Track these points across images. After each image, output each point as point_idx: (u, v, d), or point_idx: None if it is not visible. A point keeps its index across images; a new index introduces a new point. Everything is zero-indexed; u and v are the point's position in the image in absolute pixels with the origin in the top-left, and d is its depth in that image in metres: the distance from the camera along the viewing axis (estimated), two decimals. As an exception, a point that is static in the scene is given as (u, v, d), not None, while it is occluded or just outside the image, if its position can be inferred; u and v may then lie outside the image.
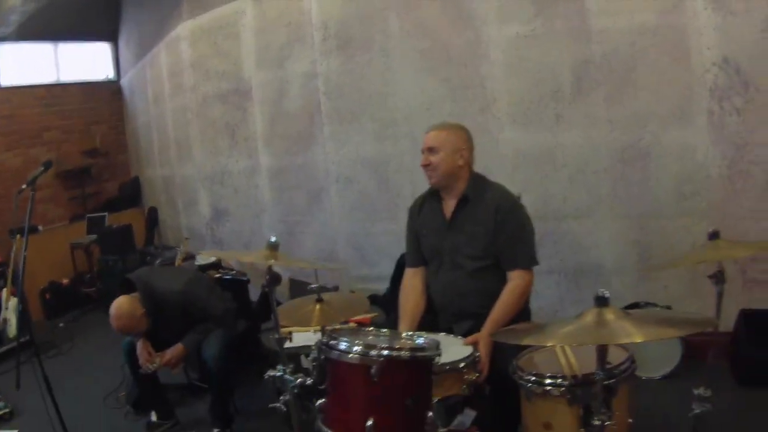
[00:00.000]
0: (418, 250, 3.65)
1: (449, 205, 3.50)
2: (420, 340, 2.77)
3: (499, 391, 3.01)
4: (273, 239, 3.15)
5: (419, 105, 5.65)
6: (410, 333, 2.99)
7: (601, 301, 2.15)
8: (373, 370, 2.39)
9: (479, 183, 3.49)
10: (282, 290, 6.44)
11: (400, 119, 5.79)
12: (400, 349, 2.52)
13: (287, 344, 4.08)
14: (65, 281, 8.73)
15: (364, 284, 6.21)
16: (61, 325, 7.88)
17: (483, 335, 3.06)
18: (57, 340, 7.16)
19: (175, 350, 4.39)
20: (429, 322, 3.41)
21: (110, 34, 10.79)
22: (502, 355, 2.92)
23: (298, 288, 6.15)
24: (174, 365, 4.45)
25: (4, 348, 7.10)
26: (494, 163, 4.11)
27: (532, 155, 5.15)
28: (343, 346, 2.56)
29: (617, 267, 4.97)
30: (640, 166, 4.79)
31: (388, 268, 5.47)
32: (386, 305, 5.49)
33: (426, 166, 3.44)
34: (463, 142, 3.48)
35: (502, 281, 3.28)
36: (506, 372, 2.80)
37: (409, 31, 5.64)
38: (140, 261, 7.97)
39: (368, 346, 2.52)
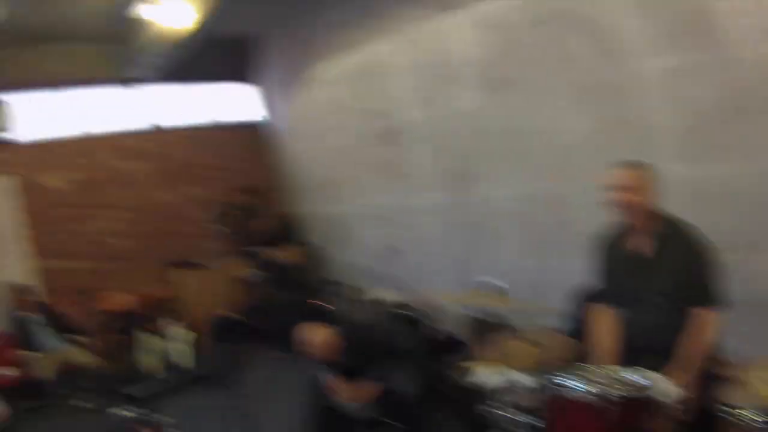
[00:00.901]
0: (608, 287, 3.72)
1: (643, 243, 3.57)
2: (639, 378, 2.90)
3: (700, 425, 3.04)
4: (500, 285, 3.38)
5: (580, 140, 5.66)
6: (619, 369, 3.07)
7: None
8: (605, 409, 2.54)
9: (673, 222, 3.57)
10: (459, 328, 6.52)
11: (563, 155, 5.81)
12: (635, 389, 2.67)
13: (473, 378, 4.30)
14: (230, 315, 9.18)
15: (537, 321, 5.90)
16: (226, 357, 8.33)
17: (684, 371, 3.11)
18: (224, 373, 7.56)
19: (365, 385, 4.50)
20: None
21: (258, 75, 11.36)
22: (702, 389, 3.02)
23: (477, 326, 6.26)
24: (363, 400, 4.53)
25: (178, 378, 7.86)
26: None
27: (693, 187, 5.04)
28: (573, 383, 2.73)
29: None
30: None
31: (561, 305, 5.32)
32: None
33: (621, 204, 3.50)
34: (653, 180, 3.56)
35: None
36: (707, 406, 2.90)
37: (563, 67, 5.68)
38: (304, 295, 8.33)
39: (600, 385, 2.67)
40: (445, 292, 5.76)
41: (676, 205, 4.98)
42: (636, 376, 2.93)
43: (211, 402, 5.01)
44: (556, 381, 2.86)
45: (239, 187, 10.80)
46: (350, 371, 4.53)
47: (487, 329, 3.61)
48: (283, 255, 9.77)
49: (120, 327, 8.97)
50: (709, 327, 3.34)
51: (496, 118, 6.34)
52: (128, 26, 9.27)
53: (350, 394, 4.43)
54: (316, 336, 4.51)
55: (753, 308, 4.89)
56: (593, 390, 2.71)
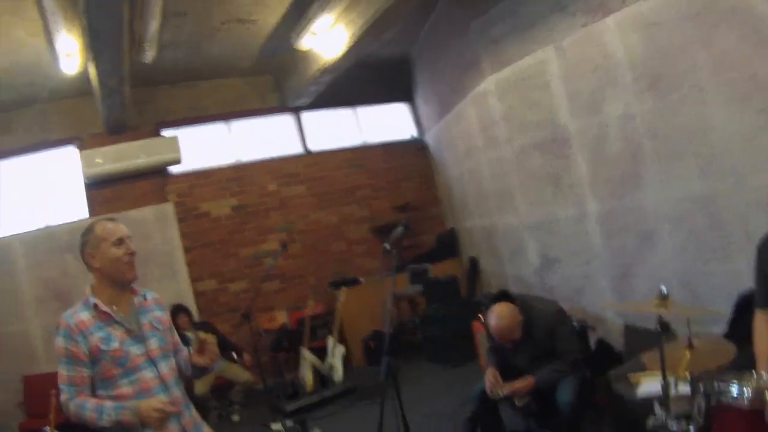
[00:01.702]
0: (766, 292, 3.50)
1: None
2: None
3: None
4: (663, 290, 3.31)
5: (738, 138, 5.37)
6: None
7: None
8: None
9: None
10: (616, 338, 6.52)
11: (721, 154, 5.54)
12: None
13: (638, 392, 4.16)
14: (388, 330, 9.16)
15: (698, 326, 5.89)
16: (396, 368, 8.38)
17: None
18: (380, 387, 7.63)
19: (526, 381, 4.62)
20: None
21: (407, 95, 11.69)
22: None
23: (634, 335, 6.17)
24: (521, 395, 4.66)
25: (329, 393, 8.07)
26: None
27: None
28: (734, 390, 2.63)
29: None
30: None
31: (723, 308, 5.13)
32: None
33: None
34: None
35: None
36: None
37: (715, 62, 5.41)
38: (465, 310, 8.36)
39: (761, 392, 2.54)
40: (605, 301, 5.48)
41: None
42: None
43: (365, 415, 5.00)
44: (716, 388, 2.75)
45: (397, 204, 11.16)
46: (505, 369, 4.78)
47: (649, 337, 3.39)
48: (442, 270, 9.81)
49: (277, 344, 9.36)
50: None
51: (652, 121, 6.14)
52: (282, 58, 9.78)
53: (507, 388, 4.62)
54: (502, 309, 4.73)
55: None
56: (754, 397, 2.56)
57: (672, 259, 6.24)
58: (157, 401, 3.15)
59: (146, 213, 9.75)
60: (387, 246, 5.12)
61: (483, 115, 8.77)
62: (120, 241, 3.34)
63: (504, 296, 4.94)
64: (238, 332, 8.81)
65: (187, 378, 3.64)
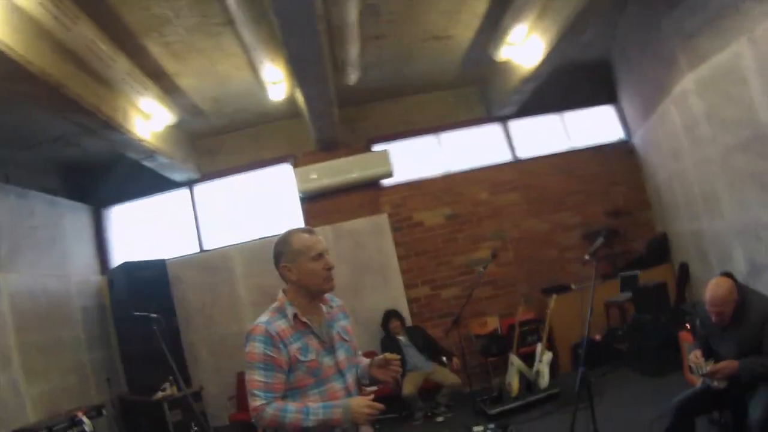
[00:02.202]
0: None
1: None
2: None
3: None
4: None
5: None
6: None
7: None
8: None
9: None
10: None
11: None
12: None
13: None
14: (597, 337, 9.24)
15: None
16: (591, 379, 8.31)
17: None
18: (586, 394, 7.57)
19: (730, 364, 4.47)
20: None
21: (611, 97, 11.41)
22: None
23: None
24: (721, 378, 4.53)
25: (533, 398, 8.11)
26: None
27: None
28: None
29: None
30: None
31: None
32: None
33: None
34: None
35: None
36: None
37: None
38: (673, 319, 8.15)
39: None
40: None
41: None
42: None
43: (568, 421, 5.32)
44: None
45: (608, 209, 10.99)
46: (721, 352, 4.67)
47: None
48: (653, 276, 9.49)
49: (487, 349, 9.55)
50: None
51: None
52: (483, 69, 10.00)
53: (712, 366, 4.50)
54: (722, 280, 4.67)
55: None
56: None
57: None
58: (366, 399, 3.20)
59: (361, 224, 10.43)
60: (587, 256, 5.17)
61: (685, 115, 8.45)
62: (319, 256, 3.34)
63: (726, 274, 4.82)
64: (448, 337, 8.92)
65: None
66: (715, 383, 4.61)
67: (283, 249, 3.41)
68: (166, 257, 10.06)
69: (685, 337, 7.16)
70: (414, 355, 8.90)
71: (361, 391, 3.46)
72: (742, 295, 4.66)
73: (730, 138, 7.47)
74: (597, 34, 9.23)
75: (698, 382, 4.81)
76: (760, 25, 6.40)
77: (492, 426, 7.31)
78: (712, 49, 7.35)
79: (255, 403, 3.14)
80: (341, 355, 3.36)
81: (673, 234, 10.32)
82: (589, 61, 10.58)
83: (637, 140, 11.09)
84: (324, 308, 3.46)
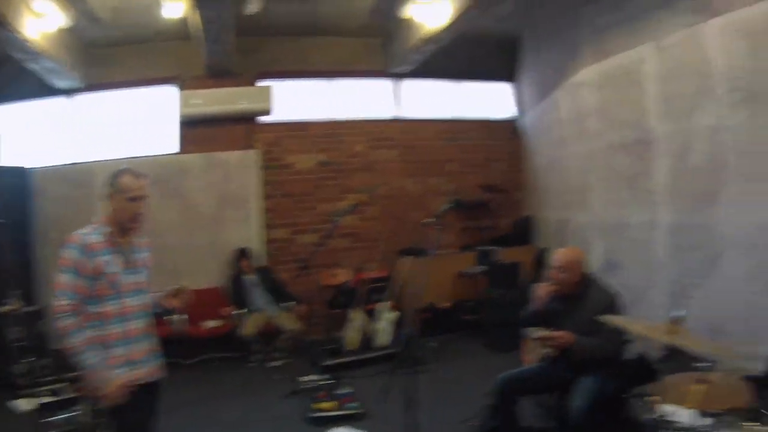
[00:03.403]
0: None
1: None
2: None
3: None
4: (678, 314, 3.26)
5: None
6: None
7: None
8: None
9: None
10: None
11: None
12: None
13: (654, 414, 3.92)
14: (446, 305, 9.36)
15: (743, 362, 5.47)
16: (433, 344, 8.53)
17: None
18: (425, 358, 7.69)
19: (567, 334, 4.48)
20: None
21: (510, 75, 11.30)
22: None
23: (677, 357, 5.75)
24: (555, 346, 4.55)
25: (371, 354, 8.08)
26: None
27: None
28: None
29: None
30: None
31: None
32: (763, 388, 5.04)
33: None
34: None
35: None
36: None
37: None
38: (523, 298, 8.08)
39: None
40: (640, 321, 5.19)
41: None
42: None
43: (402, 382, 5.19)
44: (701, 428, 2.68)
45: (482, 183, 10.89)
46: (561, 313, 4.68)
47: (686, 361, 3.20)
48: (513, 255, 9.60)
49: (332, 300, 9.41)
50: None
51: (742, 137, 5.75)
52: (390, 23, 9.63)
53: (548, 332, 4.49)
54: (575, 248, 4.85)
55: None
56: None
57: (736, 287, 5.87)
58: (123, 385, 3.47)
59: (233, 157, 9.91)
60: (429, 220, 5.01)
61: (576, 106, 8.45)
62: (133, 199, 3.68)
63: None
64: (297, 283, 8.72)
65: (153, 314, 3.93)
66: (547, 350, 4.66)
67: (112, 181, 3.72)
68: (32, 165, 9.21)
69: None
70: (260, 296, 8.62)
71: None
72: (589, 277, 4.78)
73: (615, 136, 7.57)
74: (515, 10, 9.00)
75: (531, 360, 4.86)
76: (670, 36, 6.47)
77: (325, 377, 7.13)
78: (618, 48, 7.36)
79: (59, 302, 3.46)
80: (140, 278, 3.76)
81: (541, 219, 10.44)
82: (500, 36, 10.46)
83: (526, 121, 11.07)
84: (134, 239, 3.80)
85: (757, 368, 5.20)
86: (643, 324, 3.94)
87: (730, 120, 5.83)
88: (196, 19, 7.59)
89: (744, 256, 5.78)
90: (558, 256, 4.71)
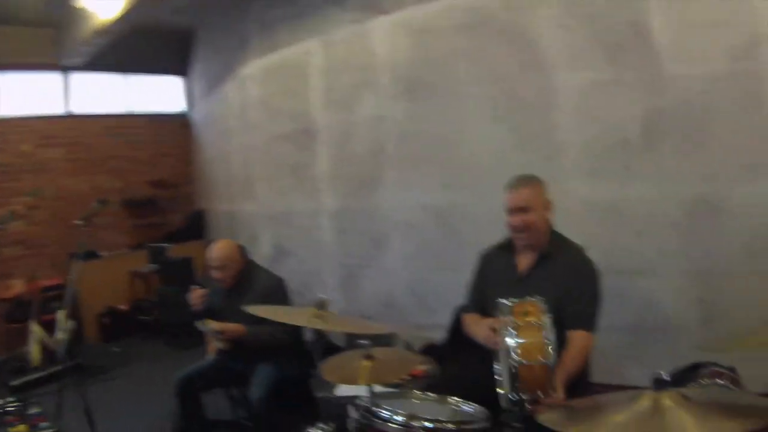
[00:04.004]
0: (481, 298, 3.54)
1: (525, 260, 3.42)
2: (467, 409, 2.72)
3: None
4: (323, 298, 3.19)
5: (487, 153, 5.51)
6: (458, 399, 2.88)
7: (660, 384, 2.04)
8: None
9: (560, 240, 3.44)
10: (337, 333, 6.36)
11: (466, 167, 5.65)
12: (445, 422, 2.49)
13: (335, 393, 4.15)
14: (124, 307, 8.94)
15: (421, 332, 6.05)
16: (116, 349, 8.13)
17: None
18: (110, 365, 7.37)
19: (236, 326, 4.37)
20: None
21: (182, 68, 11.03)
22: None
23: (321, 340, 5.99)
24: (226, 338, 4.41)
25: (55, 368, 7.28)
26: (559, 214, 3.76)
27: (599, 207, 4.99)
28: (384, 414, 2.53)
29: (682, 325, 4.73)
30: (710, 220, 4.56)
31: (447, 317, 5.24)
32: (442, 356, 5.27)
33: (519, 227, 3.34)
34: (547, 196, 3.43)
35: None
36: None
37: (477, 76, 5.53)
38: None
39: (411, 417, 2.48)
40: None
41: (572, 221, 4.76)
42: (467, 407, 2.77)
43: (90, 393, 4.92)
44: (371, 409, 2.65)
45: (152, 179, 10.51)
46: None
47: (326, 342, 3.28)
48: (187, 251, 9.34)
49: (9, 314, 8.54)
50: (583, 350, 3.15)
51: (401, 126, 6.15)
52: (63, 12, 8.81)
53: (216, 325, 4.32)
54: (226, 242, 4.66)
55: (633, 332, 4.83)
56: (398, 420, 2.53)
57: (402, 265, 6.24)
58: None
59: None
60: (78, 221, 4.74)
61: (243, 98, 8.48)
62: None
63: None
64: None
65: None
66: (220, 344, 4.52)
67: None
68: None
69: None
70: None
71: None
72: (249, 265, 4.74)
73: (278, 127, 7.68)
74: (188, 2, 8.63)
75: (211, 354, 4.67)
76: (337, 31, 6.68)
77: (12, 399, 6.51)
78: (286, 42, 7.45)
79: None
80: None
81: (212, 211, 10.34)
82: (173, 27, 10.11)
83: (195, 115, 10.90)
84: None
85: (436, 338, 5.59)
86: (289, 310, 4.05)
87: (391, 109, 6.16)
88: None
89: (407, 235, 6.14)
90: (213, 254, 4.59)
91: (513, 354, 2.59)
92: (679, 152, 4.62)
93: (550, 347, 2.59)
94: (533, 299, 2.82)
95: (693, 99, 4.53)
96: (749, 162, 4.39)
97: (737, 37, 4.33)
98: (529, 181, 3.44)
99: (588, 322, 3.20)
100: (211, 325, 4.39)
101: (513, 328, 2.69)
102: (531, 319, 2.71)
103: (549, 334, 2.64)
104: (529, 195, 3.36)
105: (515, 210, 3.34)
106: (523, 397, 2.57)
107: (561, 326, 3.03)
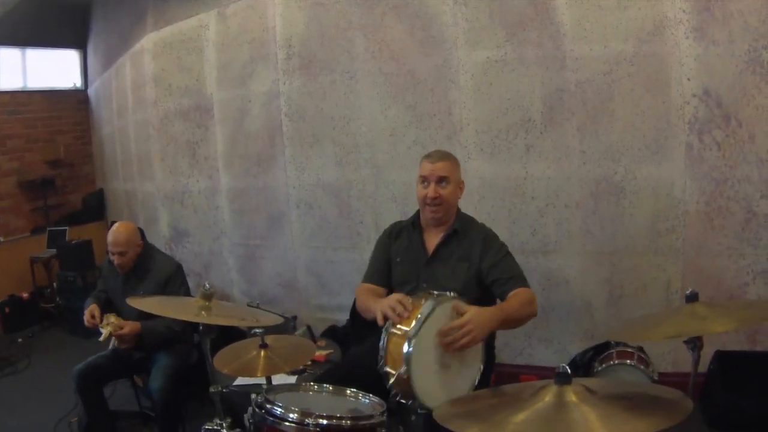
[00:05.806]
0: (383, 272, 3.38)
1: (432, 237, 3.28)
2: (365, 400, 2.56)
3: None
4: (207, 287, 2.99)
5: (383, 130, 5.33)
6: (355, 391, 2.65)
7: (563, 378, 1.86)
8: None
9: (466, 218, 3.32)
10: None
11: (362, 144, 5.47)
12: (340, 417, 2.31)
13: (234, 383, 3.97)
14: (25, 295, 8.27)
15: (323, 313, 5.91)
16: (19, 340, 7.51)
17: (485, 309, 2.71)
18: (14, 357, 6.80)
19: (132, 325, 4.14)
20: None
21: (79, 42, 10.31)
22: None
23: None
24: (124, 340, 4.16)
25: None
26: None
27: (499, 186, 4.86)
28: (278, 411, 2.34)
29: (587, 305, 4.71)
30: (613, 200, 4.52)
31: (348, 298, 5.03)
32: (344, 339, 5.21)
33: (435, 199, 3.15)
34: (460, 172, 3.32)
35: None
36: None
37: (374, 53, 5.30)
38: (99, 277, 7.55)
39: (305, 414, 2.30)
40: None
41: (472, 200, 4.82)
42: (365, 399, 2.59)
43: None
44: (264, 406, 2.39)
45: (48, 158, 9.80)
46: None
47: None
48: (83, 233, 8.77)
49: None
50: (528, 296, 3.01)
51: (297, 103, 5.87)
52: None
53: (113, 326, 4.09)
54: (125, 224, 4.43)
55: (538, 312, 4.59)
56: (292, 418, 2.32)
57: (301, 244, 6.04)
58: None
59: None
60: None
61: (137, 74, 7.91)
62: None
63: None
64: None
65: None
66: (117, 344, 4.25)
67: None
68: None
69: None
70: None
71: None
72: (147, 248, 4.52)
73: (173, 104, 7.20)
74: None
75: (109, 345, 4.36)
76: (232, 4, 6.29)
77: None
78: (181, 15, 6.97)
79: None
80: None
81: (110, 191, 9.79)
82: (77, 3, 9.54)
83: (92, 91, 10.26)
84: None
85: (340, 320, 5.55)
86: (177, 302, 3.79)
87: (286, 86, 5.85)
88: None
89: (304, 214, 5.94)
90: (113, 238, 4.27)
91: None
92: (582, 132, 4.55)
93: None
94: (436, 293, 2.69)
95: (596, 79, 4.47)
96: (652, 143, 4.36)
97: (643, 20, 4.28)
98: (448, 155, 3.29)
99: (523, 280, 3.09)
100: (107, 328, 4.11)
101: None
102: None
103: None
104: (448, 167, 3.20)
105: (434, 179, 3.16)
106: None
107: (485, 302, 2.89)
